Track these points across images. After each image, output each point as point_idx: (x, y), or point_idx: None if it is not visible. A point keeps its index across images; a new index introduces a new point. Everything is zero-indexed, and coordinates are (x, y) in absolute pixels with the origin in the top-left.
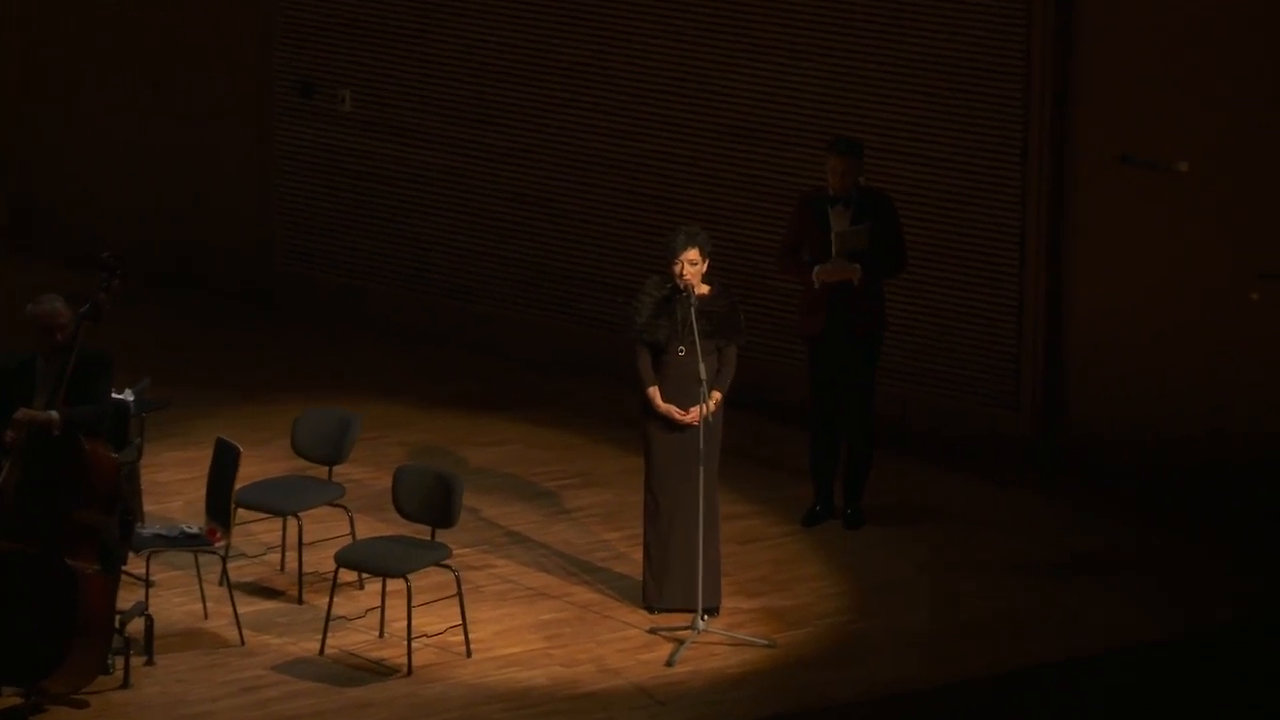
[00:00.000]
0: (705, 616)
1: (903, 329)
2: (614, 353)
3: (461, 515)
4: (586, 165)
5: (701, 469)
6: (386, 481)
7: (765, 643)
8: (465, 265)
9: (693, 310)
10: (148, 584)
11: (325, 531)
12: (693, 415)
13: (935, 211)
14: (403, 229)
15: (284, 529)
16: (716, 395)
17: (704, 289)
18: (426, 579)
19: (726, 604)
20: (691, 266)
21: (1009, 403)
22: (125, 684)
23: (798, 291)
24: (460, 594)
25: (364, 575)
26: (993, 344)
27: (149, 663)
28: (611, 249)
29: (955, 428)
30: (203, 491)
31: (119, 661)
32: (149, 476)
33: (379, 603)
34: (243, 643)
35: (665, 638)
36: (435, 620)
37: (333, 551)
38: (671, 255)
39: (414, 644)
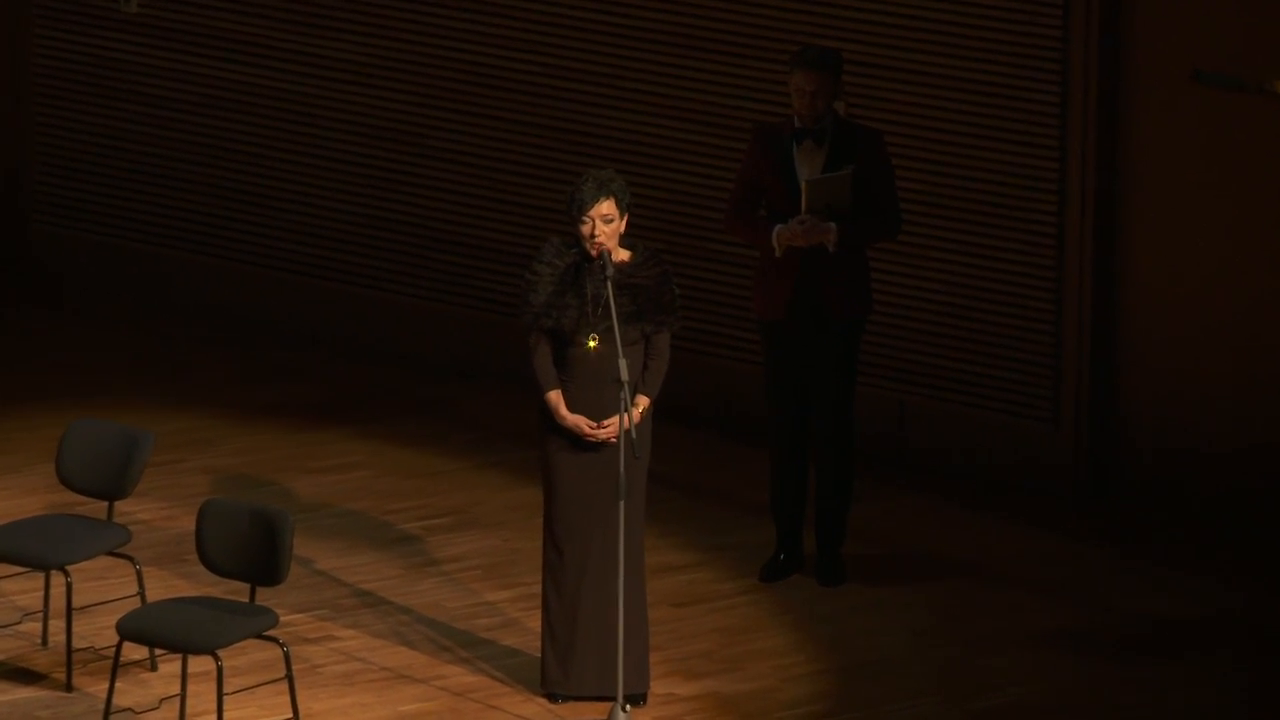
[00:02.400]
0: (627, 707)
1: (896, 311)
2: (503, 344)
3: (291, 568)
4: (468, 88)
5: (622, 504)
6: (188, 523)
7: None
8: (300, 225)
9: (609, 284)
10: None
11: (103, 591)
12: (610, 429)
13: (942, 152)
14: (212, 175)
15: (46, 588)
16: (643, 401)
17: (623, 255)
18: (243, 656)
19: (657, 689)
20: (605, 225)
21: (1044, 413)
22: None
23: (753, 260)
24: (290, 676)
25: (157, 651)
26: (1021, 331)
27: None
28: (501, 201)
29: (970, 447)
30: None
31: None
32: None
33: (178, 689)
34: None
35: None
36: (257, 712)
37: (114, 619)
38: (578, 210)
39: None
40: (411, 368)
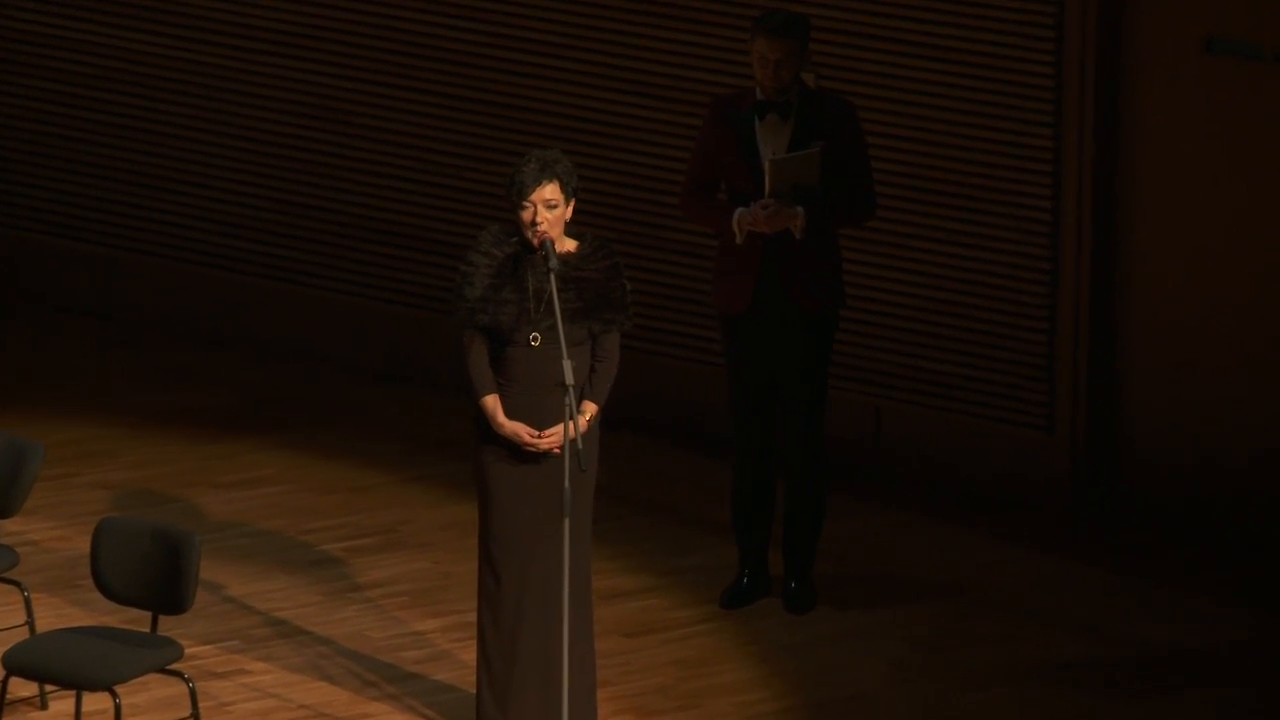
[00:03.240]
0: None
1: (871, 306)
2: (435, 344)
3: (198, 594)
4: (398, 59)
5: (566, 522)
6: (82, 544)
7: None
8: (208, 211)
9: (552, 277)
10: None
11: None
12: (553, 439)
13: (923, 128)
14: (108, 155)
15: None
16: (590, 408)
17: (569, 245)
18: (144, 692)
19: None
20: (548, 211)
21: (1037, 418)
22: None
23: (712, 248)
24: (196, 715)
25: (48, 688)
26: (1012, 328)
27: None
28: (433, 185)
29: (955, 457)
30: None
31: None
32: None
33: None
34: None
35: None
36: None
37: (0, 651)
38: (518, 194)
39: None
40: (332, 370)
